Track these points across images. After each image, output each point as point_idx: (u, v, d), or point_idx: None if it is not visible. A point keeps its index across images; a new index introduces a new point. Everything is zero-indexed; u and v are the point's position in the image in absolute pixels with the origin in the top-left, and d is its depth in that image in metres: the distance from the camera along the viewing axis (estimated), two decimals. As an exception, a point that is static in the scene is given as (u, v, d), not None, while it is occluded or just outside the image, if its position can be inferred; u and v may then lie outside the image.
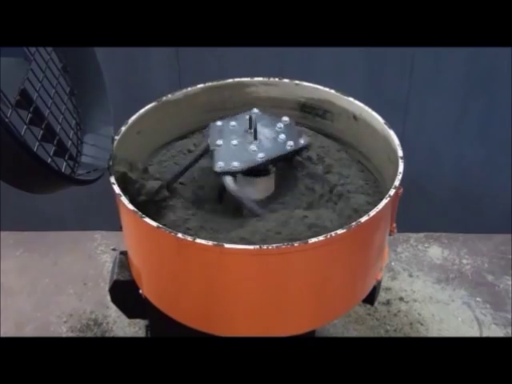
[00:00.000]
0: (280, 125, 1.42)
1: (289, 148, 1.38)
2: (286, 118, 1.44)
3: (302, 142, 1.40)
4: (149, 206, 1.34)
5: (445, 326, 2.09)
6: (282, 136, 1.39)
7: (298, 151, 1.40)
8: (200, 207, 1.39)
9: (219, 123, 1.44)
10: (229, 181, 1.32)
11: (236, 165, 1.33)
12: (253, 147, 1.36)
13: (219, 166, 1.33)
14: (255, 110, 1.47)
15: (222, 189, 1.38)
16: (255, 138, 1.38)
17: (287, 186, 1.44)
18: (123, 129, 1.46)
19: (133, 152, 1.51)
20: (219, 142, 1.37)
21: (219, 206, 1.41)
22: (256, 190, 1.39)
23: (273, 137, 1.39)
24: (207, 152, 1.41)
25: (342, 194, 1.40)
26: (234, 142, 1.37)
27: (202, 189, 1.44)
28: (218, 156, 1.35)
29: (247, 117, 1.43)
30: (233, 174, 1.33)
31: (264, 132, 1.39)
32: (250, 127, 1.40)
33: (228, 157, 1.34)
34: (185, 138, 1.64)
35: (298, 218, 1.30)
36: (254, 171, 1.36)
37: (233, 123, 1.43)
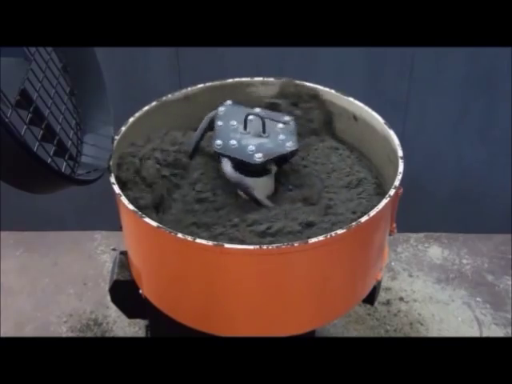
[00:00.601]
0: (280, 125, 1.41)
1: (288, 148, 1.36)
2: (287, 118, 1.44)
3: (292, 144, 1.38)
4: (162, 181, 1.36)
5: (445, 326, 2.09)
6: (282, 137, 1.38)
7: (296, 151, 1.39)
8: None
9: (230, 102, 1.45)
10: (225, 164, 1.32)
11: (233, 143, 1.34)
12: (251, 148, 1.34)
13: (218, 143, 1.34)
14: (258, 109, 1.45)
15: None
16: (264, 131, 1.37)
17: (287, 187, 1.44)
18: (123, 129, 1.46)
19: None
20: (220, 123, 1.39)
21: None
22: (256, 190, 1.39)
23: (273, 136, 1.39)
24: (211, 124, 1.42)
25: (341, 194, 1.41)
26: (233, 142, 1.36)
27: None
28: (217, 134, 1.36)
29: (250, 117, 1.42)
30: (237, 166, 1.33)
31: (267, 131, 1.39)
32: (245, 127, 1.39)
33: (226, 136, 1.35)
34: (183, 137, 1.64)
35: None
36: (255, 171, 1.35)
37: (233, 122, 1.41)
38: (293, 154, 1.38)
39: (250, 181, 1.34)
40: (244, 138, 1.36)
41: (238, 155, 1.32)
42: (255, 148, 1.33)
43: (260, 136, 1.36)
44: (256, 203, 1.33)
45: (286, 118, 1.43)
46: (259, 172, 1.36)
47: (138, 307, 1.48)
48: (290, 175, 1.45)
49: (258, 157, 1.32)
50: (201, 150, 1.47)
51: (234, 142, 1.35)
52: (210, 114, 1.46)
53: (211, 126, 1.43)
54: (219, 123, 1.39)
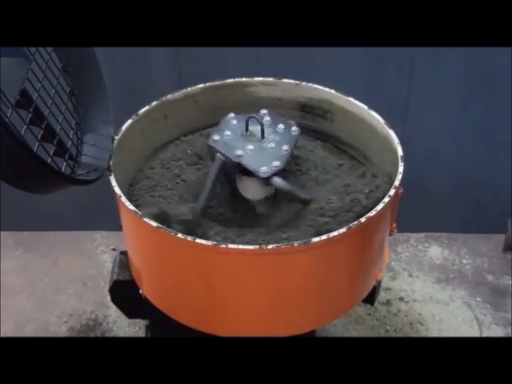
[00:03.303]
0: (267, 118, 1.43)
1: (294, 133, 1.40)
2: (264, 111, 1.45)
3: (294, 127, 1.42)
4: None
5: (445, 326, 2.09)
6: (281, 126, 1.41)
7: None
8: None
9: (216, 137, 1.39)
10: (279, 181, 1.33)
11: (276, 164, 1.33)
12: (271, 144, 1.37)
13: (263, 170, 1.32)
14: (231, 115, 1.46)
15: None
16: (263, 137, 1.39)
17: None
18: (123, 129, 1.46)
19: (134, 152, 1.51)
20: (239, 152, 1.35)
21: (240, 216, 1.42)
22: (256, 191, 1.39)
23: (271, 130, 1.40)
24: (223, 169, 1.38)
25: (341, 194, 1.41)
26: (250, 147, 1.36)
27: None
28: (251, 164, 1.34)
29: (234, 122, 1.42)
30: (278, 173, 1.33)
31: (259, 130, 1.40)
32: (247, 130, 1.40)
33: (261, 160, 1.34)
34: (184, 138, 1.64)
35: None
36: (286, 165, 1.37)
37: (227, 132, 1.40)
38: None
39: (250, 181, 1.36)
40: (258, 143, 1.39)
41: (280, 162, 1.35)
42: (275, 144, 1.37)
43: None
44: (305, 203, 1.36)
45: (263, 111, 1.45)
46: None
47: (138, 307, 1.48)
48: (290, 175, 1.46)
49: (285, 149, 1.37)
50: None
51: (251, 147, 1.36)
52: (216, 162, 1.38)
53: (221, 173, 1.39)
54: (238, 152, 1.35)
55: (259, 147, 1.37)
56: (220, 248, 1.16)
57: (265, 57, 2.00)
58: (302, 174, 1.49)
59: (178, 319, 1.35)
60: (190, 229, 1.26)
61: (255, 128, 1.39)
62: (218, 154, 1.36)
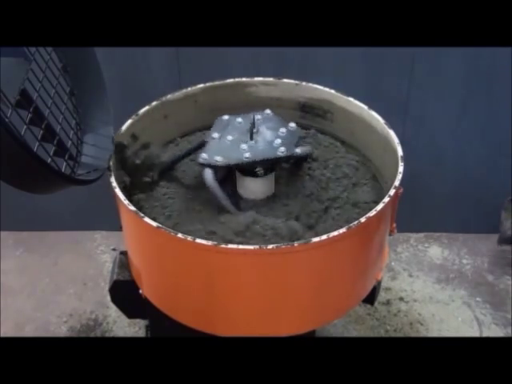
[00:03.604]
0: (283, 130, 1.40)
1: (280, 154, 1.34)
2: (292, 124, 1.43)
3: (297, 150, 1.37)
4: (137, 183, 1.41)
5: (445, 326, 2.09)
6: (278, 141, 1.37)
7: (290, 157, 1.38)
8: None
9: (226, 117, 1.44)
10: (207, 173, 1.32)
11: (218, 159, 1.33)
12: (243, 146, 1.36)
13: (203, 157, 1.34)
14: (268, 111, 1.46)
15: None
16: (251, 138, 1.38)
17: (287, 188, 1.44)
18: (123, 129, 1.46)
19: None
20: (215, 135, 1.38)
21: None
22: (253, 190, 1.39)
23: (269, 140, 1.38)
24: (203, 145, 1.42)
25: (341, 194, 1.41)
26: (230, 137, 1.37)
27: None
28: (207, 148, 1.36)
29: (257, 117, 1.43)
30: (213, 167, 1.33)
31: (264, 134, 1.39)
32: (254, 126, 1.40)
33: (215, 151, 1.35)
34: (185, 138, 1.64)
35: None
36: (248, 171, 1.36)
37: (239, 119, 1.43)
38: (287, 159, 1.39)
39: (247, 180, 1.35)
40: (241, 139, 1.38)
41: (225, 161, 1.33)
42: (247, 148, 1.35)
43: (257, 140, 1.38)
44: (227, 211, 1.33)
45: (292, 125, 1.43)
46: (253, 173, 1.37)
47: (138, 307, 1.48)
48: (290, 175, 1.45)
49: (246, 156, 1.33)
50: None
51: (230, 138, 1.37)
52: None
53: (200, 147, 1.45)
54: (214, 135, 1.39)
55: (236, 143, 1.37)
56: (220, 248, 1.16)
57: (265, 57, 2.00)
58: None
59: (177, 319, 1.35)
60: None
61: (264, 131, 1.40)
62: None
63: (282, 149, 1.35)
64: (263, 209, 1.35)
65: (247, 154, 1.33)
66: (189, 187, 1.45)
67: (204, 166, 1.33)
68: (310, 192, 1.41)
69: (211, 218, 1.32)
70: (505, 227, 2.30)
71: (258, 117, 1.43)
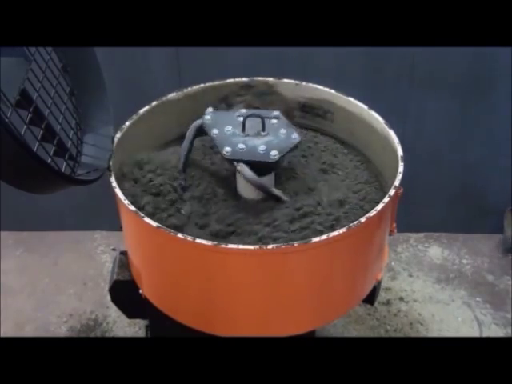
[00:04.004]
0: (274, 121, 1.40)
1: (294, 141, 1.36)
2: (276, 113, 1.42)
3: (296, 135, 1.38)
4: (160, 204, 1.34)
5: (445, 326, 2.09)
6: (283, 131, 1.37)
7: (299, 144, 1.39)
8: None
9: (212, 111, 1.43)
10: (245, 169, 1.30)
11: (242, 147, 1.31)
12: (257, 141, 1.34)
13: (226, 150, 1.31)
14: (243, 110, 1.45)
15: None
16: (263, 129, 1.36)
17: (287, 186, 1.44)
18: (124, 128, 1.46)
19: (133, 152, 1.51)
20: (215, 131, 1.36)
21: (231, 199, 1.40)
22: (254, 190, 1.39)
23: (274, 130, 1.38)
24: (201, 132, 1.41)
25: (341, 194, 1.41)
26: (229, 128, 1.36)
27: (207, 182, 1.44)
28: (220, 142, 1.33)
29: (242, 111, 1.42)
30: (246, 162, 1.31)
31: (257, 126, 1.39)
32: (243, 129, 1.39)
33: (230, 142, 1.33)
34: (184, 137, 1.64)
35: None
36: (259, 169, 1.35)
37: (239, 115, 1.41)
38: (296, 146, 1.39)
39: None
40: (248, 140, 1.35)
41: (253, 157, 1.31)
42: (266, 147, 1.32)
43: (261, 135, 1.36)
44: (277, 200, 1.34)
45: (275, 113, 1.42)
46: (269, 170, 1.36)
47: (138, 307, 1.48)
48: (290, 175, 1.46)
49: (274, 154, 1.31)
50: (192, 164, 1.45)
51: (241, 145, 1.33)
52: (195, 124, 1.43)
53: (197, 135, 1.43)
54: (214, 131, 1.37)
55: (240, 134, 1.36)
56: (220, 248, 1.16)
57: (265, 57, 2.00)
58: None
59: (177, 319, 1.35)
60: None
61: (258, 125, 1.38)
62: (198, 121, 1.40)
63: (294, 135, 1.36)
64: (264, 208, 1.36)
65: (274, 152, 1.32)
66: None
67: (236, 161, 1.31)
68: (309, 192, 1.41)
69: (260, 212, 1.32)
70: (507, 237, 2.31)
71: (243, 111, 1.43)
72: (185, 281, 1.29)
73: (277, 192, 1.35)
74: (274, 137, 1.36)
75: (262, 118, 1.36)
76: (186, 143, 1.43)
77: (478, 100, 2.12)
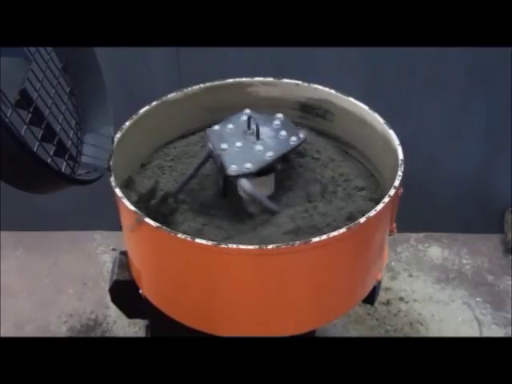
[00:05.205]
0: (277, 122, 1.42)
1: (292, 143, 1.37)
2: (280, 115, 1.44)
3: (301, 136, 1.40)
4: (156, 218, 1.32)
5: (445, 326, 2.09)
6: (283, 133, 1.39)
7: (302, 142, 1.40)
8: (208, 214, 1.39)
9: (216, 127, 1.42)
10: (245, 183, 1.31)
11: (248, 166, 1.32)
12: (259, 147, 1.35)
13: (232, 169, 1.31)
14: (247, 111, 1.45)
15: (226, 192, 1.40)
16: (258, 138, 1.37)
17: (287, 186, 1.44)
18: (124, 128, 1.46)
19: (132, 152, 1.51)
20: (224, 145, 1.36)
21: (227, 210, 1.41)
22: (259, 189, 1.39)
23: (273, 134, 1.39)
24: (209, 158, 1.40)
25: (341, 194, 1.41)
26: (238, 144, 1.36)
27: (204, 195, 1.44)
28: (227, 160, 1.33)
29: (244, 118, 1.42)
30: (247, 175, 1.32)
31: (264, 131, 1.39)
32: (249, 127, 1.40)
33: (238, 159, 1.33)
34: (185, 138, 1.64)
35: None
36: (261, 171, 1.36)
37: (230, 126, 1.42)
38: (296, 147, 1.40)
39: (254, 181, 1.36)
40: (248, 142, 1.37)
41: (255, 166, 1.32)
42: (263, 147, 1.34)
43: (258, 140, 1.38)
44: (270, 213, 1.34)
45: (279, 116, 1.43)
46: (268, 170, 1.37)
47: (138, 307, 1.48)
48: (291, 175, 1.46)
49: (269, 155, 1.33)
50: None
51: (239, 144, 1.35)
52: (205, 152, 1.41)
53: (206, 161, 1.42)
54: (223, 146, 1.36)
55: (248, 147, 1.36)
56: (220, 248, 1.16)
57: (265, 57, 2.00)
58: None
59: (177, 319, 1.35)
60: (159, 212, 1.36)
61: (261, 128, 1.39)
62: (209, 144, 1.38)
63: (293, 138, 1.37)
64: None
65: (269, 153, 1.33)
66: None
67: (238, 177, 1.31)
68: (310, 192, 1.41)
69: (256, 225, 1.33)
70: (507, 237, 2.32)
71: (243, 118, 1.43)
72: (185, 281, 1.29)
73: (271, 205, 1.35)
74: (270, 139, 1.37)
75: (257, 125, 1.37)
76: (193, 167, 1.43)
77: (478, 100, 2.12)
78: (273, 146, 1.36)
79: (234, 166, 1.32)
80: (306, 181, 1.45)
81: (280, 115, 1.45)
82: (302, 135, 1.40)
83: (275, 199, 1.40)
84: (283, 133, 1.39)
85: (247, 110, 1.45)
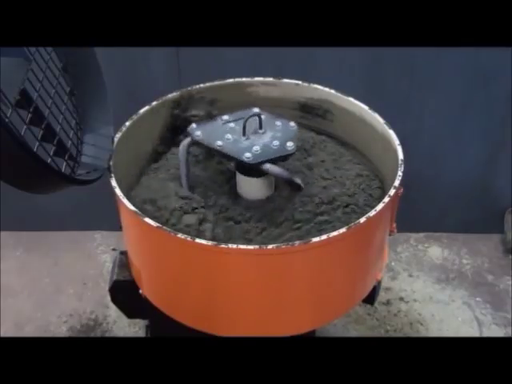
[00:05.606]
0: (278, 123, 1.41)
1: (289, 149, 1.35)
2: (256, 109, 1.42)
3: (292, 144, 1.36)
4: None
5: (445, 326, 2.09)
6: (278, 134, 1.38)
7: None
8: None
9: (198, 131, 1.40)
10: (273, 167, 1.29)
11: (257, 149, 1.30)
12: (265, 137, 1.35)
13: (247, 156, 1.29)
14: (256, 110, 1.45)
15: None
16: (243, 133, 1.36)
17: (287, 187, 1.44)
18: (123, 129, 1.46)
19: (133, 152, 1.51)
20: (219, 142, 1.34)
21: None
22: (254, 190, 1.39)
23: (271, 135, 1.38)
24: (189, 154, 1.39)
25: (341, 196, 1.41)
26: (229, 136, 1.35)
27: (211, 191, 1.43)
28: (232, 150, 1.31)
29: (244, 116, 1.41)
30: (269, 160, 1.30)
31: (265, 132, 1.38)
32: (245, 129, 1.39)
33: (241, 149, 1.31)
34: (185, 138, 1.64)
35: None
36: (256, 171, 1.35)
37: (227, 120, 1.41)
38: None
39: (250, 181, 1.35)
40: (254, 140, 1.35)
41: (274, 154, 1.31)
42: (279, 142, 1.34)
43: (260, 133, 1.37)
44: (297, 188, 1.36)
45: (256, 110, 1.42)
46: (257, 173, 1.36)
47: (138, 307, 1.48)
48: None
49: (290, 145, 1.33)
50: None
51: (256, 147, 1.32)
52: (184, 144, 1.39)
53: (188, 153, 1.40)
54: (218, 143, 1.34)
55: (240, 139, 1.35)
56: (220, 248, 1.16)
57: (265, 57, 2.00)
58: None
59: (178, 319, 1.35)
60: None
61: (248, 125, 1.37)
62: (185, 141, 1.38)
63: (291, 123, 1.40)
64: (265, 208, 1.35)
65: (275, 142, 1.34)
66: None
67: (262, 163, 1.29)
68: (310, 193, 1.41)
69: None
70: (507, 237, 2.32)
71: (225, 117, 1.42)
72: (185, 281, 1.29)
73: (298, 181, 1.37)
74: (274, 131, 1.37)
75: (260, 117, 1.36)
76: (182, 166, 1.39)
77: (478, 100, 2.12)
78: (280, 135, 1.36)
79: (247, 154, 1.30)
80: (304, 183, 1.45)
81: (256, 109, 1.42)
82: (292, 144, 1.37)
83: (274, 200, 1.40)
84: (278, 122, 1.39)
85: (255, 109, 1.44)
